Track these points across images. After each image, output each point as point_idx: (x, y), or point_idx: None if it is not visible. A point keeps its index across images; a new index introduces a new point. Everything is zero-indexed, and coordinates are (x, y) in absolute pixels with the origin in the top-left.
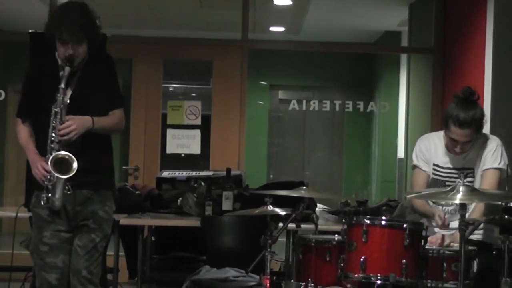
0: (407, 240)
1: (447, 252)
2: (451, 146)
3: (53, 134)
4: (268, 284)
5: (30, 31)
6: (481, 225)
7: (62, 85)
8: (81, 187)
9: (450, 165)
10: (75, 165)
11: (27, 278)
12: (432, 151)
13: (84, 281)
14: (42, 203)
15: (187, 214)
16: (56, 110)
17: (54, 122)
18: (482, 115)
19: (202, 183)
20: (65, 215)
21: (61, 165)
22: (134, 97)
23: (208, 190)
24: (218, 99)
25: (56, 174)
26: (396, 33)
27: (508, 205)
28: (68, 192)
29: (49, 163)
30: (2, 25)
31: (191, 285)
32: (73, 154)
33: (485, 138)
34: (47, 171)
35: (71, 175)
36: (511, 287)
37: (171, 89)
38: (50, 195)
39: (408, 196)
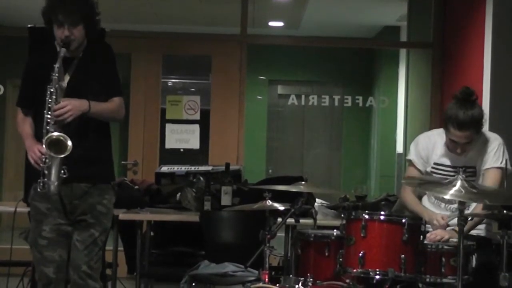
0: (406, 235)
1: (446, 247)
2: (452, 147)
3: (49, 116)
4: (267, 279)
5: (29, 26)
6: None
7: (57, 64)
8: (79, 180)
9: (450, 163)
10: (69, 143)
11: (26, 272)
12: (432, 150)
13: (84, 276)
14: (39, 189)
15: (186, 209)
16: (51, 90)
17: (49, 102)
18: (481, 114)
19: (201, 178)
20: (62, 209)
21: (56, 147)
22: (133, 92)
23: (207, 185)
24: (217, 94)
25: (51, 154)
26: (395, 28)
27: None
28: (64, 176)
29: (43, 145)
30: (1, 20)
31: (190, 280)
32: (71, 144)
33: (486, 136)
34: (42, 154)
35: (66, 154)
36: (509, 282)
37: (170, 84)
38: (46, 179)
39: (407, 184)
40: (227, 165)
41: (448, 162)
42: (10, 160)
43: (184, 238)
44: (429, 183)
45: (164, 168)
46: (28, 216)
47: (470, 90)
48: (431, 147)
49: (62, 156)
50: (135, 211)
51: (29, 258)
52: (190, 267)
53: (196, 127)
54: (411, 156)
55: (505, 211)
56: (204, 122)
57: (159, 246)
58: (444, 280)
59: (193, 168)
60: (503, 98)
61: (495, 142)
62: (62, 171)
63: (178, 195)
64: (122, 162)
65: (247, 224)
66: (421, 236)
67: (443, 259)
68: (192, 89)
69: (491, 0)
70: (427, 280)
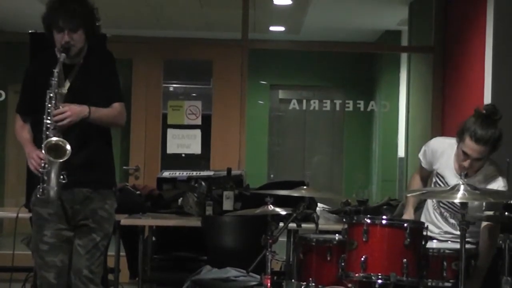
0: (408, 239)
1: (447, 251)
2: (460, 159)
3: (48, 121)
4: (269, 284)
5: (30, 31)
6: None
7: (57, 69)
8: (81, 185)
9: (449, 181)
10: (68, 147)
11: (28, 278)
12: (439, 157)
13: (85, 280)
14: (38, 195)
15: (187, 214)
16: (51, 95)
17: (49, 107)
18: (500, 136)
19: (203, 183)
20: (63, 214)
21: (56, 151)
22: (134, 97)
23: (208, 190)
24: (218, 99)
25: (50, 158)
26: (396, 32)
27: (509, 202)
28: (63, 181)
29: (42, 150)
30: (2, 25)
31: (192, 285)
32: (72, 150)
33: (495, 170)
34: (41, 159)
35: (65, 158)
36: (511, 286)
37: (171, 89)
38: (45, 185)
39: (409, 194)
40: (229, 170)
41: (447, 179)
42: (12, 166)
43: (186, 243)
44: (433, 191)
45: (166, 173)
46: (30, 221)
47: (495, 109)
48: (439, 154)
49: (61, 160)
50: (137, 216)
51: (31, 264)
52: (192, 272)
53: (198, 132)
54: (419, 154)
55: (506, 213)
56: (205, 127)
57: (161, 251)
58: (446, 284)
59: (194, 173)
60: (504, 102)
61: (502, 183)
62: (62, 177)
63: (180, 200)
64: (124, 167)
65: (249, 229)
66: (423, 240)
67: (445, 263)
68: (194, 94)
69: (492, 4)
70: (429, 284)
